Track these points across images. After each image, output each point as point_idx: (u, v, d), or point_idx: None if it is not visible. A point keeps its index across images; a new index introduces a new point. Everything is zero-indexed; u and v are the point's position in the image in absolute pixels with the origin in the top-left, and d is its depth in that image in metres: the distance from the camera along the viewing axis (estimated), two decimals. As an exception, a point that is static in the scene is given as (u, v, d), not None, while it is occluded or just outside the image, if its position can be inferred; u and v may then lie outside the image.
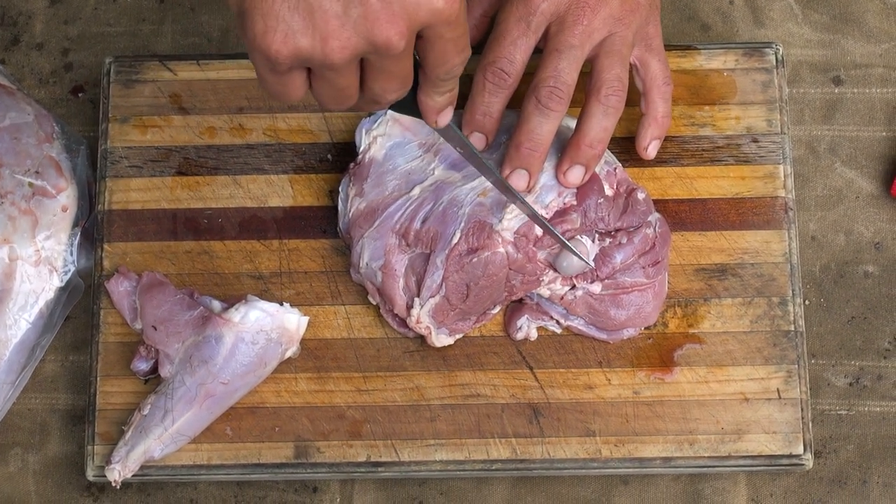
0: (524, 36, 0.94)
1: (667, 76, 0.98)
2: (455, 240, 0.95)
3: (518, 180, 0.96)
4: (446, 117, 0.87)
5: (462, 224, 0.95)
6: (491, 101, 0.96)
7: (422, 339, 0.99)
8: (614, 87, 0.94)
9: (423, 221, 0.96)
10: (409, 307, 0.97)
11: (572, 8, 0.94)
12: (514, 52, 0.95)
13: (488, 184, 0.97)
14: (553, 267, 0.97)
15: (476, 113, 0.96)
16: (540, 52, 0.96)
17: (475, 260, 0.95)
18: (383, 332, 1.00)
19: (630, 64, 0.97)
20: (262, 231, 1.02)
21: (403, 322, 0.98)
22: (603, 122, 0.95)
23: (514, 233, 0.95)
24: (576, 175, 0.96)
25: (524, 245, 0.95)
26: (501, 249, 0.95)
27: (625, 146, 1.02)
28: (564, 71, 0.93)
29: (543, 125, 0.94)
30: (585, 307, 0.98)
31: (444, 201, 0.97)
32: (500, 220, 0.95)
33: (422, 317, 0.96)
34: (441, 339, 0.98)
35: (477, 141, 0.97)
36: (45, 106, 1.07)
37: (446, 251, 0.95)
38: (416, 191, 0.98)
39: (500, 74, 0.95)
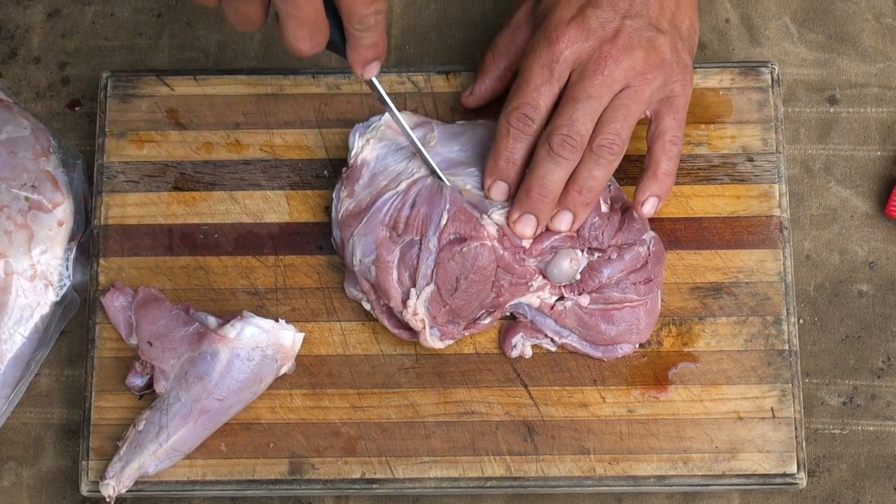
0: (547, 83, 0.94)
1: (676, 136, 0.96)
2: (443, 221, 0.95)
3: (525, 226, 0.95)
4: (372, 70, 0.91)
5: (448, 206, 0.95)
6: (515, 147, 0.95)
7: (417, 356, 0.99)
8: (609, 140, 0.94)
9: (413, 206, 0.96)
10: (405, 300, 0.97)
11: (595, 56, 0.94)
12: (538, 98, 0.94)
13: (469, 185, 0.97)
14: (543, 273, 0.97)
15: (500, 160, 0.96)
16: None
17: (465, 250, 0.95)
18: (378, 348, 1.00)
19: (646, 116, 0.97)
20: (258, 247, 1.02)
21: (398, 322, 0.98)
22: (593, 170, 0.94)
23: (499, 228, 0.95)
24: (563, 221, 0.96)
25: (509, 245, 0.96)
26: (488, 242, 0.95)
27: (621, 164, 1.01)
28: (579, 120, 0.93)
29: (554, 172, 0.94)
30: (575, 319, 0.98)
31: (427, 184, 0.97)
32: (484, 217, 0.95)
33: (418, 307, 0.96)
34: (433, 340, 0.98)
35: (499, 191, 0.96)
36: (41, 120, 1.07)
37: (437, 235, 0.95)
38: (403, 185, 0.98)
39: (523, 120, 0.94)
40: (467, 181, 0.98)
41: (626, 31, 0.94)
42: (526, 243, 0.96)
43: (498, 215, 0.96)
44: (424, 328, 0.97)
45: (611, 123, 0.94)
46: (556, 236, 0.96)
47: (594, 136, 0.94)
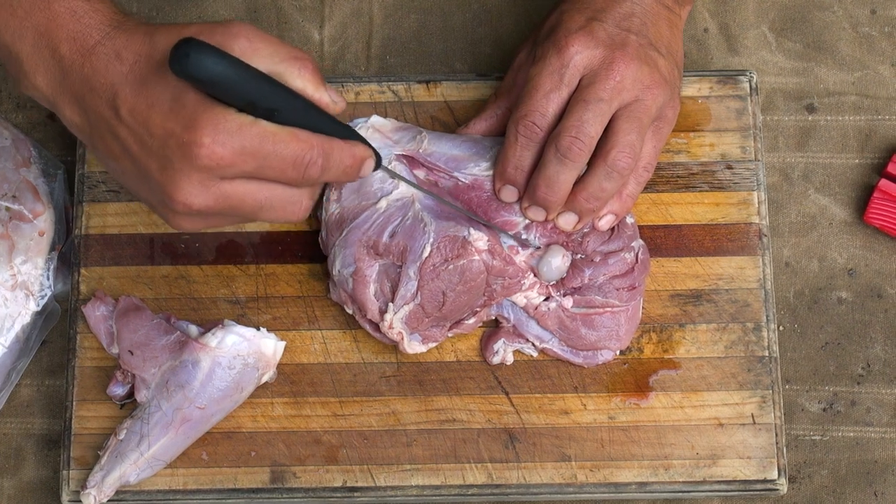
0: (557, 89, 0.94)
1: (650, 163, 0.97)
2: (426, 253, 0.95)
3: (535, 214, 0.96)
4: (367, 168, 0.87)
5: (431, 238, 0.96)
6: (522, 155, 0.95)
7: (398, 363, 0.99)
8: (624, 152, 0.93)
9: (392, 236, 0.97)
10: (383, 312, 0.97)
11: (605, 63, 0.93)
12: (547, 105, 0.94)
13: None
14: (534, 270, 0.97)
15: (508, 166, 0.96)
16: None
17: (451, 267, 0.95)
18: (360, 357, 1.00)
19: None
20: (240, 256, 1.02)
21: (378, 327, 0.98)
22: (604, 182, 0.94)
23: (488, 240, 0.96)
24: (567, 221, 0.96)
25: (500, 252, 0.96)
26: (477, 257, 0.95)
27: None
28: (588, 122, 0.92)
29: (561, 174, 0.93)
30: (557, 322, 0.98)
31: (409, 217, 0.97)
32: (471, 232, 0.96)
33: (395, 322, 0.96)
34: (413, 346, 0.98)
35: (509, 194, 0.97)
36: (22, 130, 1.07)
37: (418, 263, 0.95)
38: (383, 203, 0.98)
39: (531, 127, 0.94)
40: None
41: (633, 44, 0.94)
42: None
43: (480, 233, 0.96)
44: (402, 339, 0.97)
45: (626, 135, 0.93)
46: (552, 235, 0.97)
47: (609, 148, 0.93)
